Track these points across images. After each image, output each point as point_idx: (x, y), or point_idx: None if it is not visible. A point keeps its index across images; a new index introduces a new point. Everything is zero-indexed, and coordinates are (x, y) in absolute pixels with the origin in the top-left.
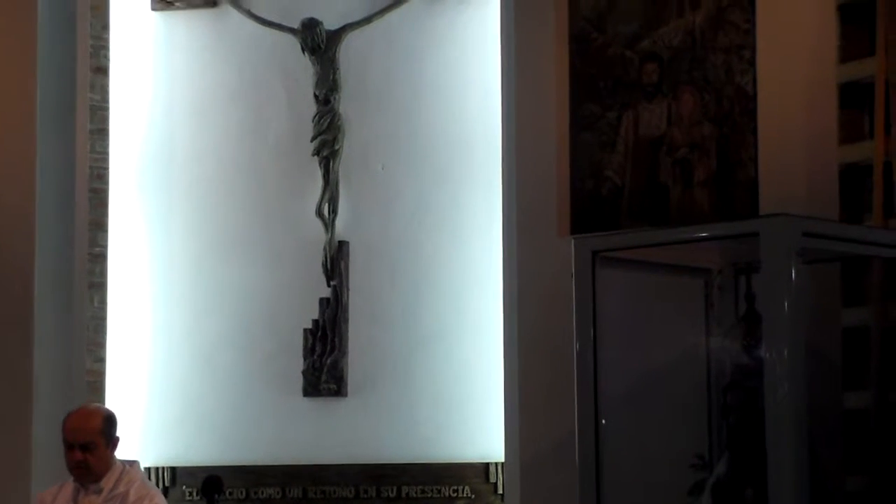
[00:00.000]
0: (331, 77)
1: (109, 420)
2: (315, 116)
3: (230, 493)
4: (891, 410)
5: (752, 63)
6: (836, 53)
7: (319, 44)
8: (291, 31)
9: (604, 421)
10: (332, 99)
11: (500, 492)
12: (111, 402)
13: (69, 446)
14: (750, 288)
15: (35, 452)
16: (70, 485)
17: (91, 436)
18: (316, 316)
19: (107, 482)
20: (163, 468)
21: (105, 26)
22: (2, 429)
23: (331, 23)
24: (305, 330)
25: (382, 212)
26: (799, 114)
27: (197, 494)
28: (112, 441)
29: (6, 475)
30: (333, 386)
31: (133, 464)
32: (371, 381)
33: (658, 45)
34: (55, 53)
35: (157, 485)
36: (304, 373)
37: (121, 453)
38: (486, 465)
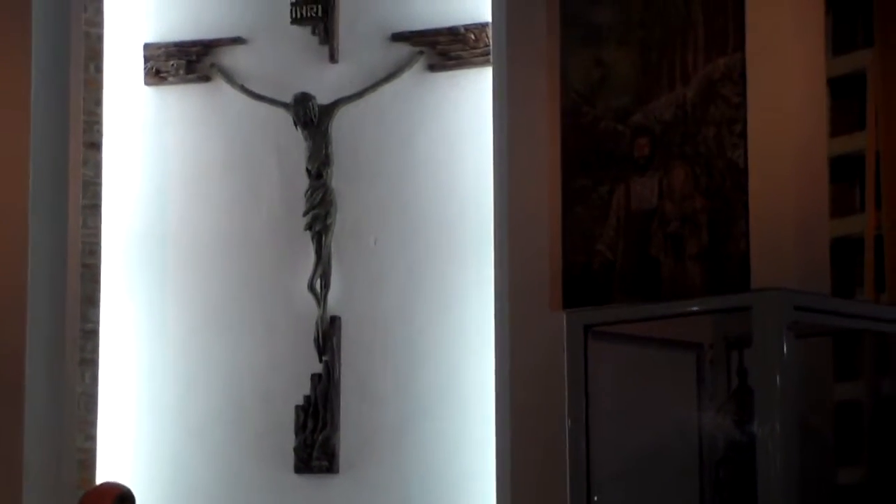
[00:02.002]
0: (323, 151)
1: (122, 500)
2: (307, 191)
3: None
4: (884, 486)
5: (743, 136)
6: (827, 127)
7: (312, 118)
8: (284, 105)
9: (596, 498)
10: (324, 173)
11: None
12: (101, 480)
13: None
14: (742, 362)
15: None
16: None
17: None
18: (308, 392)
19: None
20: None
21: (98, 101)
22: None
23: (323, 97)
24: (297, 406)
25: (374, 286)
26: (790, 187)
27: None
28: None
29: None
30: (325, 463)
31: None
32: (363, 458)
33: (650, 118)
34: (48, 129)
35: None
36: (296, 449)
37: None
38: None
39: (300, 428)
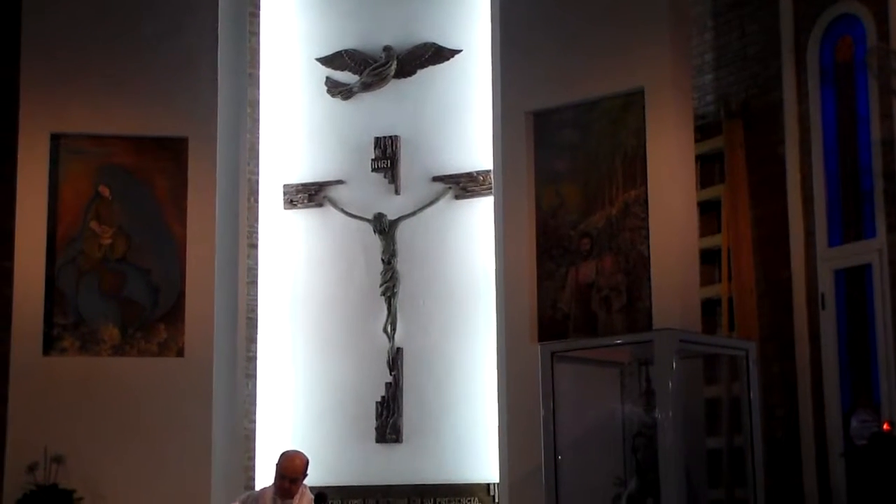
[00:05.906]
0: (391, 248)
1: (307, 463)
2: (382, 272)
3: (332, 503)
4: (735, 450)
5: (647, 238)
6: (698, 231)
7: (384, 228)
8: (367, 220)
9: (560, 456)
10: (392, 262)
11: (497, 502)
12: (258, 448)
13: (282, 477)
14: (648, 373)
15: (214, 479)
16: (268, 495)
17: (298, 473)
18: (383, 393)
19: (297, 499)
20: None
21: (256, 219)
22: (192, 462)
23: (391, 215)
24: (376, 402)
25: (423, 330)
26: (676, 268)
27: None
28: (305, 475)
29: (194, 496)
30: (394, 436)
31: (305, 486)
32: (417, 433)
33: (590, 227)
34: (226, 236)
35: None
36: (377, 428)
37: None
38: (488, 485)
39: (378, 415)
